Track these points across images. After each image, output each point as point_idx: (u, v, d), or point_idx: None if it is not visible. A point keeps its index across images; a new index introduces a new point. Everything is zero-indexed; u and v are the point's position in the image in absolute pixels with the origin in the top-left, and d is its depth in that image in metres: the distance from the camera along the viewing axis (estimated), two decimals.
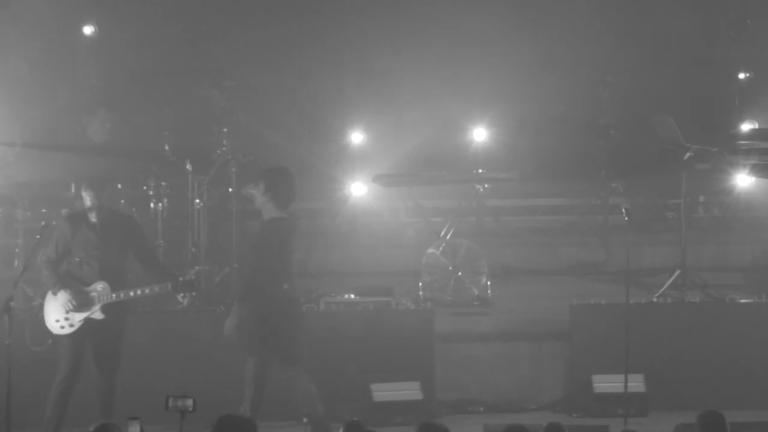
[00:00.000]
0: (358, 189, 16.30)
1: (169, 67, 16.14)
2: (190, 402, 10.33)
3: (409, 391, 13.62)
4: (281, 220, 12.59)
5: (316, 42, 16.46)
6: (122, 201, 14.59)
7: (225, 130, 15.38)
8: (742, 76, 16.15)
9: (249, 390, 12.17)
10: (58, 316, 12.36)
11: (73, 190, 13.56)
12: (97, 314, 12.33)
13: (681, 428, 11.11)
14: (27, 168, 14.89)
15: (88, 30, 15.96)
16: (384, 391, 13.60)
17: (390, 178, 16.22)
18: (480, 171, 15.80)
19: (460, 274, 15.47)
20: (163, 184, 15.06)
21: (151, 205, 14.98)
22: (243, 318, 12.35)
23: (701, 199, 16.22)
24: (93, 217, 12.58)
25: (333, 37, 16.47)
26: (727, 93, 16.27)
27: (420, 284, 15.06)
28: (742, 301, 14.77)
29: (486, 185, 15.82)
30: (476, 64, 16.35)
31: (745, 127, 15.49)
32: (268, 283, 12.44)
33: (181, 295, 13.26)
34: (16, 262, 14.44)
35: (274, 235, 12.58)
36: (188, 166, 15.15)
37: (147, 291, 12.48)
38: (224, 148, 15.32)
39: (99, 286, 12.34)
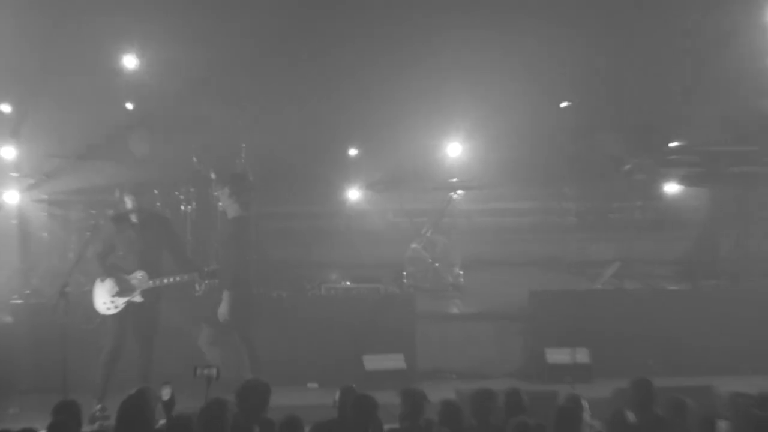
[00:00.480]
0: (354, 194, 16.48)
1: (197, 91, 16.07)
2: (214, 371, 10.55)
3: (394, 361, 13.67)
4: (245, 218, 12.89)
5: (321, 73, 16.42)
6: (158, 204, 14.65)
7: (243, 145, 15.40)
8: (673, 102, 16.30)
9: (245, 359, 12.44)
10: (105, 299, 12.54)
11: (117, 195, 13.61)
12: (137, 298, 12.51)
13: (618, 392, 11.26)
14: (79, 177, 14.94)
15: (129, 62, 15.92)
16: (374, 362, 13.64)
17: (381, 185, 16.38)
18: (454, 180, 15.91)
19: (437, 265, 15.66)
20: (191, 190, 15.12)
21: (182, 207, 15.05)
22: (232, 302, 12.62)
23: (639, 203, 16.25)
24: (134, 218, 12.76)
25: (334, 71, 16.40)
26: (662, 116, 16.38)
27: (404, 273, 15.26)
28: (671, 288, 15.02)
29: (459, 191, 15.90)
30: (452, 90, 16.21)
31: (675, 144, 15.60)
32: (244, 271, 12.72)
33: (199, 284, 13.31)
34: (70, 255, 14.46)
35: (243, 232, 12.91)
36: (212, 175, 15.14)
37: (178, 279, 12.64)
38: (243, 160, 15.36)
39: (139, 275, 12.52)
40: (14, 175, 14.98)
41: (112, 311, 12.52)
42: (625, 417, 9.63)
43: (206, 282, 13.61)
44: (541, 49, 16.43)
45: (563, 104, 16.58)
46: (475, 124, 16.39)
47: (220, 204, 15.06)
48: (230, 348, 12.67)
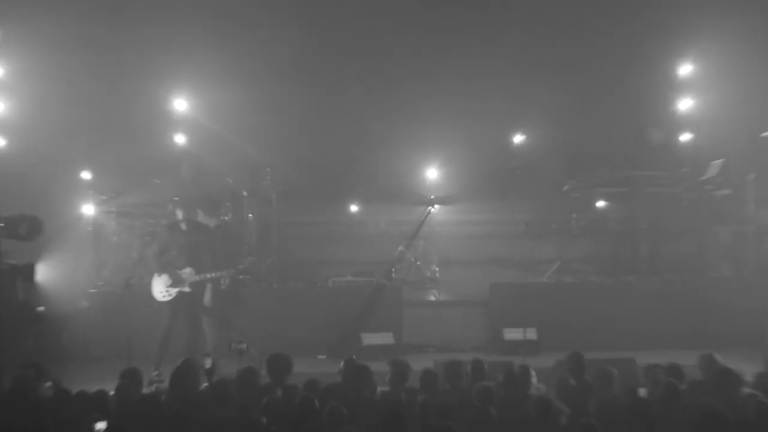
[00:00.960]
0: (355, 208, 16.45)
1: (232, 127, 15.99)
2: (244, 345, 10.59)
3: (385, 338, 13.69)
4: (224, 223, 13.06)
5: (329, 116, 16.34)
6: (201, 214, 14.62)
7: (268, 169, 15.48)
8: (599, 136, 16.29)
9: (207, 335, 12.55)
10: (161, 289, 12.59)
11: (170, 208, 13.64)
12: (186, 288, 12.57)
13: (558, 363, 11.23)
14: (141, 194, 14.90)
15: (180, 105, 15.93)
16: (369, 338, 13.65)
17: (375, 200, 16.37)
18: (432, 196, 15.87)
19: (419, 263, 15.66)
20: (228, 204, 15.03)
21: (221, 217, 14.91)
22: (214, 293, 12.62)
23: (574, 215, 16.17)
24: (183, 226, 12.83)
25: (341, 114, 16.36)
26: (593, 147, 16.34)
27: (393, 269, 15.18)
28: (599, 281, 14.99)
29: (436, 205, 15.86)
30: (431, 128, 16.11)
31: (600, 171, 15.59)
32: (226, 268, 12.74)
33: (224, 280, 13.26)
34: (133, 254, 14.49)
35: (223, 237, 13.08)
36: (244, 193, 15.23)
37: (218, 274, 12.71)
38: (267, 182, 15.41)
39: (187, 270, 12.58)
40: (91, 192, 14.97)
41: (167, 298, 12.58)
42: (569, 382, 9.67)
43: (240, 277, 13.63)
44: (499, 96, 16.34)
45: (517, 138, 16.58)
46: (448, 154, 16.33)
47: (250, 215, 15.18)
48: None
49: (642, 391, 9.44)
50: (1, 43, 15.10)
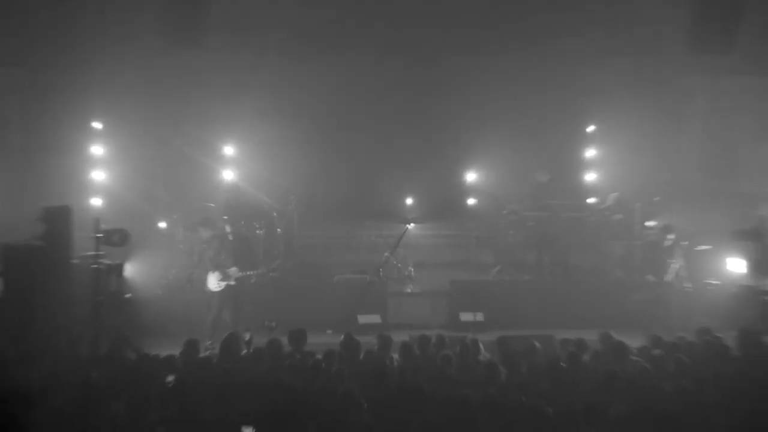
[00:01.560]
0: (353, 224, 16.43)
1: (267, 166, 15.97)
2: (274, 323, 10.63)
3: (375, 318, 13.68)
4: (215, 237, 12.83)
5: (333, 156, 16.35)
6: (243, 229, 14.60)
7: (292, 196, 15.52)
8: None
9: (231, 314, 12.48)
10: (214, 282, 12.62)
11: (221, 224, 13.62)
12: (232, 282, 12.60)
13: (500, 339, 11.31)
14: (198, 213, 14.78)
15: (228, 150, 16.03)
16: (363, 318, 13.63)
17: (368, 219, 16.43)
18: (409, 217, 15.89)
19: (399, 265, 15.55)
20: (262, 221, 15.02)
21: (257, 231, 14.91)
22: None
23: (511, 232, 16.14)
24: (230, 237, 12.89)
25: (342, 153, 16.36)
26: (526, 184, 16.35)
27: (380, 269, 15.02)
28: (528, 279, 15.02)
29: (412, 223, 15.79)
30: (407, 166, 16.28)
31: (528, 200, 15.61)
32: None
33: (255, 277, 13.25)
34: (194, 257, 14.26)
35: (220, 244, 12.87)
36: (274, 214, 15.29)
37: (255, 272, 12.79)
38: (291, 206, 15.46)
39: (233, 268, 12.62)
40: (165, 212, 15.03)
41: (218, 289, 12.60)
42: (505, 352, 9.72)
43: (271, 275, 13.62)
44: (458, 145, 16.41)
45: (470, 175, 16.62)
46: (420, 185, 16.33)
47: (278, 230, 15.17)
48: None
49: (563, 365, 9.48)
50: (100, 92, 15.20)
